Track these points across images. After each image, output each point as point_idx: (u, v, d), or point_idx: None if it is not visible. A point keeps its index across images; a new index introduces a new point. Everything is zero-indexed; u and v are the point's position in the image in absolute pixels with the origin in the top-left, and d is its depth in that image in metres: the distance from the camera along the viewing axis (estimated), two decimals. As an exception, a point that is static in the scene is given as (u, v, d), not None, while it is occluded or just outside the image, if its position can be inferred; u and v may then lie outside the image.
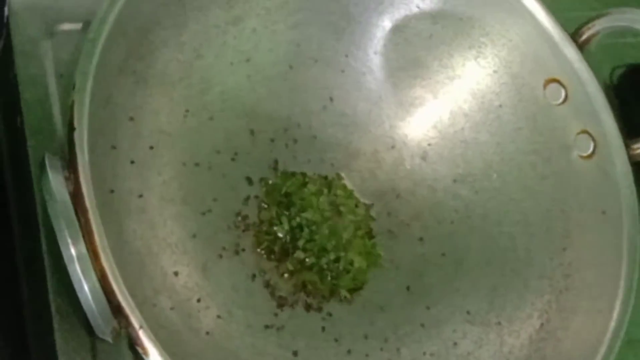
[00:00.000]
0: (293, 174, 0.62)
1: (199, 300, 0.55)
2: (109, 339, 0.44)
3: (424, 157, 0.64)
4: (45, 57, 0.59)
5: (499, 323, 0.59)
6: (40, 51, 0.59)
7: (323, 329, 0.59)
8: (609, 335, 0.54)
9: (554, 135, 0.61)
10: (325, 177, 0.62)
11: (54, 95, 0.58)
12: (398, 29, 0.63)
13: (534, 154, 0.62)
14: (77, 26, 0.60)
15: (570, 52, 0.59)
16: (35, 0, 0.61)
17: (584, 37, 0.59)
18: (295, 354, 0.57)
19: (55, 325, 0.50)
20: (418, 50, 0.63)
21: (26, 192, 0.54)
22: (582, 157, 0.59)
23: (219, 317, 0.55)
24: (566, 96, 0.60)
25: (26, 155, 0.54)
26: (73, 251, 0.43)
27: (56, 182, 0.43)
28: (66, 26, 0.60)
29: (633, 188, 0.57)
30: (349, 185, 0.63)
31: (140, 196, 0.55)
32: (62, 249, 0.42)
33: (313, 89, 0.63)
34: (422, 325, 0.59)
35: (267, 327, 0.57)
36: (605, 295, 0.55)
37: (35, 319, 0.53)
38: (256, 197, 0.60)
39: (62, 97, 0.58)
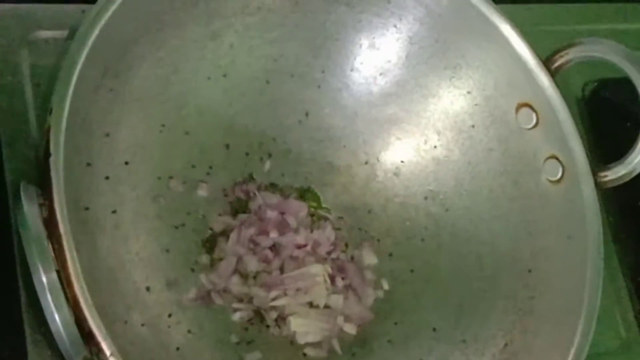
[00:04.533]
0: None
1: (170, 316, 0.56)
2: (80, 367, 0.44)
3: (396, 173, 0.65)
4: (22, 64, 0.59)
5: (464, 341, 0.60)
6: (16, 59, 0.59)
7: (291, 342, 0.60)
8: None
9: (524, 159, 0.62)
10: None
11: (30, 104, 0.58)
12: (374, 47, 0.63)
13: (504, 175, 0.63)
14: (55, 34, 0.60)
15: (542, 78, 0.60)
16: (12, 7, 0.60)
17: (556, 64, 0.60)
18: (264, 367, 0.58)
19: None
20: (394, 68, 0.64)
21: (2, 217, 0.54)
22: (550, 181, 0.60)
23: (189, 331, 0.56)
24: (537, 121, 0.61)
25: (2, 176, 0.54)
26: (44, 280, 0.43)
27: (30, 212, 0.43)
28: (43, 34, 0.60)
29: (599, 215, 0.58)
30: (322, 199, 0.64)
31: (114, 212, 0.55)
32: (34, 277, 0.43)
33: (289, 103, 0.63)
34: (389, 341, 0.61)
35: (237, 342, 0.58)
36: (567, 320, 0.56)
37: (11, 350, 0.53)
38: (231, 210, 0.61)
39: (38, 105, 0.58)
